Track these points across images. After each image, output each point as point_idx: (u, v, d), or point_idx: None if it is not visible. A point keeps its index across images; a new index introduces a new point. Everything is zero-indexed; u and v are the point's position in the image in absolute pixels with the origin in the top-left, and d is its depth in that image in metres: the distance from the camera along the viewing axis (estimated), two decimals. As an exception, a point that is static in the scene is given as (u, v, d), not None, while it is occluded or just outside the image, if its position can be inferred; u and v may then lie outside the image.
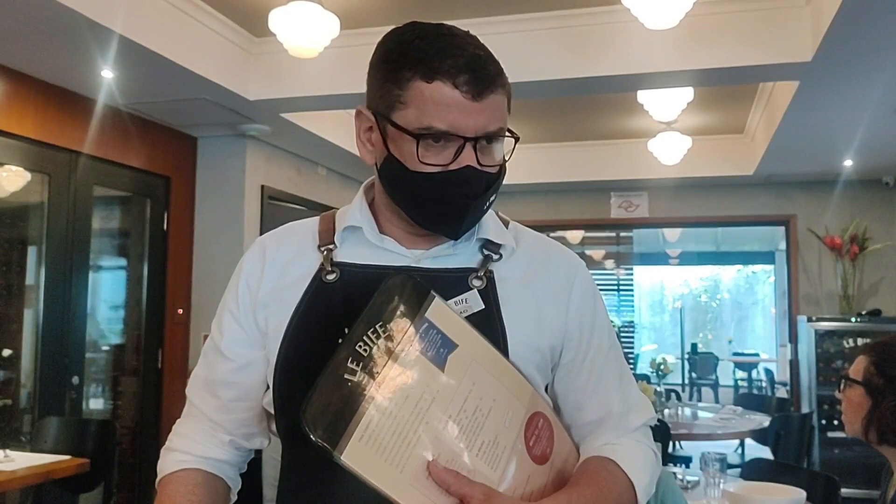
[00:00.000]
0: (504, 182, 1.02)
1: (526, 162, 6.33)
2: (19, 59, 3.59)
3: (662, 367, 5.47)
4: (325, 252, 1.04)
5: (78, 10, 2.96)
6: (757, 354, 12.34)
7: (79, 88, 3.99)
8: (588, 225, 7.61)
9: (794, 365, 6.50)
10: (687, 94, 4.43)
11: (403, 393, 0.85)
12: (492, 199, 1.01)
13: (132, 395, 4.66)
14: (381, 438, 0.82)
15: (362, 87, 1.03)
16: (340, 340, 0.87)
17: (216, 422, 1.07)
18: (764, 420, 4.65)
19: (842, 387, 1.94)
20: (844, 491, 2.73)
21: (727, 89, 4.85)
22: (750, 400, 5.95)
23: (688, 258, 12.69)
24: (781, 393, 8.15)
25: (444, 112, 0.92)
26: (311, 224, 1.11)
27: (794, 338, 6.53)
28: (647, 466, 1.05)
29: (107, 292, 4.66)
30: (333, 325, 0.95)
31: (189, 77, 3.74)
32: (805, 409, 5.92)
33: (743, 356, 12.22)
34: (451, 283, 1.00)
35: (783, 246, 7.09)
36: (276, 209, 5.24)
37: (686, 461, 4.91)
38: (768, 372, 10.56)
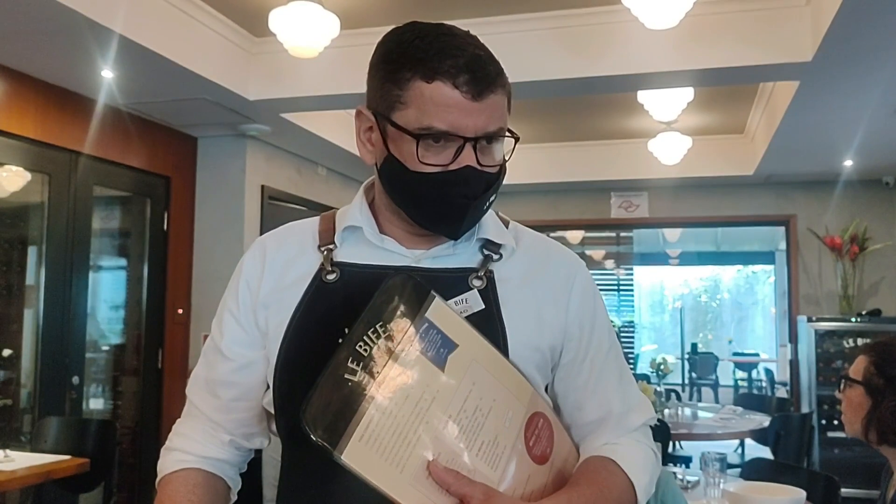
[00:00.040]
0: (504, 182, 1.02)
1: (526, 162, 6.33)
2: (19, 58, 3.59)
3: (662, 367, 5.47)
4: (326, 252, 1.04)
5: (78, 10, 2.96)
6: (757, 354, 12.34)
7: (79, 88, 3.99)
8: (588, 225, 7.61)
9: (794, 365, 6.50)
10: (687, 94, 4.43)
11: (404, 393, 0.85)
12: (492, 199, 1.01)
13: (132, 395, 4.66)
14: (381, 438, 0.82)
15: (362, 87, 1.03)
16: (341, 340, 0.87)
17: (216, 422, 1.08)
18: (764, 420, 4.65)
19: (842, 387, 1.95)
20: (844, 491, 2.73)
21: (727, 89, 4.85)
22: (750, 400, 5.95)
23: (688, 258, 12.69)
24: (781, 393, 8.15)
25: (444, 112, 0.92)
26: (311, 224, 1.11)
27: (794, 338, 6.53)
28: (646, 466, 1.05)
29: (107, 292, 4.66)
30: (334, 325, 0.95)
31: (189, 77, 3.74)
32: (805, 409, 5.93)
33: (743, 356, 12.22)
34: (451, 283, 1.00)
35: (783, 246, 7.09)
36: (277, 209, 5.25)
37: (686, 461, 4.92)
38: (768, 372, 10.56)
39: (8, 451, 3.11)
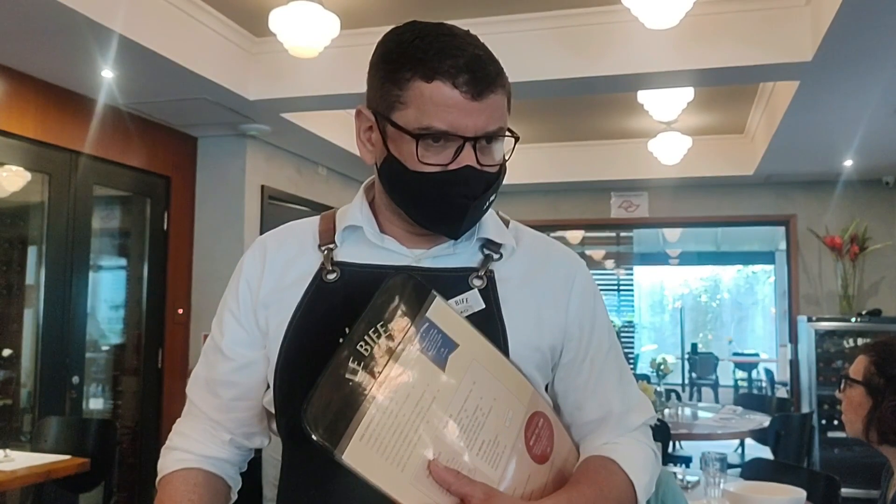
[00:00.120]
0: (504, 182, 1.02)
1: (526, 162, 6.33)
2: (19, 58, 3.59)
3: (662, 367, 5.47)
4: (326, 252, 1.04)
5: (78, 10, 2.96)
6: (757, 354, 12.34)
7: (79, 88, 3.99)
8: (588, 225, 7.61)
9: (794, 365, 6.50)
10: (687, 94, 4.43)
11: (404, 392, 0.85)
12: (492, 199, 1.01)
13: (132, 395, 4.66)
14: (381, 438, 0.82)
15: (362, 87, 1.03)
16: (341, 340, 0.87)
17: (216, 421, 1.08)
18: (764, 420, 4.65)
19: (842, 386, 1.94)
20: (844, 491, 2.73)
21: (727, 89, 4.85)
22: (750, 400, 5.95)
23: (688, 258, 12.69)
24: (781, 393, 8.15)
25: (444, 112, 0.92)
26: (312, 224, 1.11)
27: (794, 338, 6.53)
28: (646, 466, 1.05)
29: (107, 292, 4.66)
30: (334, 325, 0.95)
31: (189, 77, 3.74)
32: (805, 409, 5.93)
33: (743, 356, 12.22)
34: (451, 282, 1.00)
35: (783, 246, 7.09)
36: (277, 209, 5.25)
37: (686, 461, 4.91)
38: (768, 372, 10.56)
39: (8, 451, 3.11)
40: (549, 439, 0.97)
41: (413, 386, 0.85)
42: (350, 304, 0.95)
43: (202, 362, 1.11)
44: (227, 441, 1.08)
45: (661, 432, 3.81)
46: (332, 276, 1.02)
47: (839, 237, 6.28)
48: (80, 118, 4.10)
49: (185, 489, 1.02)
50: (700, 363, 11.88)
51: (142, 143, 4.55)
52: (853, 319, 5.94)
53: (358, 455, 0.81)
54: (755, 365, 11.66)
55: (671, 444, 4.95)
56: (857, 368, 1.91)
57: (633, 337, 9.37)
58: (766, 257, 11.76)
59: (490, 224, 1.06)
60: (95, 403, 4.49)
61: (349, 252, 1.04)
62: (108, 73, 3.74)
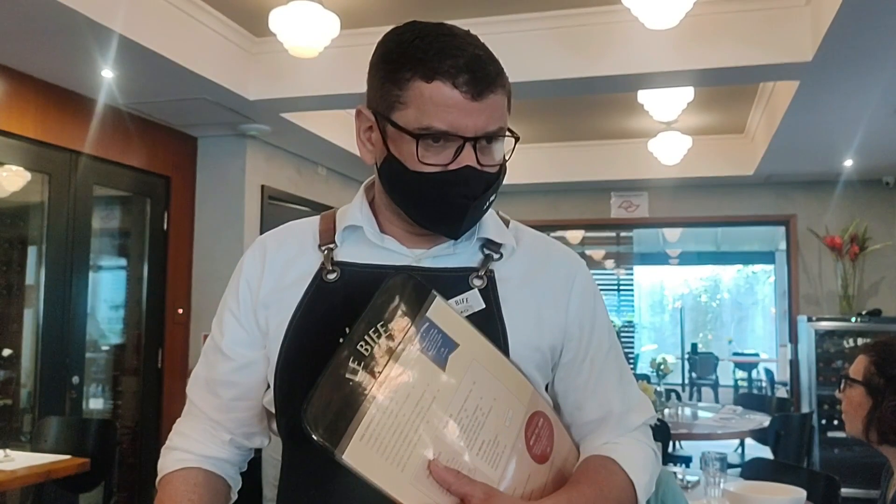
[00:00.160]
0: (504, 182, 1.02)
1: (526, 162, 6.33)
2: (19, 58, 3.59)
3: (662, 367, 5.47)
4: (326, 251, 1.04)
5: (78, 10, 2.96)
6: (757, 354, 12.34)
7: (79, 88, 3.99)
8: (588, 225, 7.61)
9: (794, 365, 6.50)
10: (687, 94, 4.43)
11: (404, 392, 0.85)
12: (492, 199, 1.01)
13: (132, 395, 4.66)
14: (382, 438, 0.82)
15: (362, 87, 1.03)
16: (341, 340, 0.87)
17: (217, 421, 1.08)
18: (764, 420, 4.65)
19: (842, 386, 1.94)
20: (844, 491, 2.73)
21: (727, 89, 4.85)
22: (750, 400, 5.95)
23: (688, 258, 12.69)
24: (781, 393, 8.15)
25: (444, 112, 0.92)
26: (312, 223, 1.11)
27: (794, 338, 6.53)
28: (646, 465, 1.05)
29: (107, 292, 4.66)
30: (334, 325, 0.95)
31: (189, 77, 3.74)
32: (805, 409, 5.93)
33: (743, 356, 12.22)
34: (451, 282, 1.00)
35: (783, 246, 7.09)
36: (277, 209, 5.25)
37: (686, 461, 4.91)
38: (768, 372, 10.56)
39: (8, 451, 3.11)
40: (549, 439, 0.97)
41: (413, 386, 0.86)
42: (350, 303, 0.95)
43: (202, 362, 1.11)
44: (227, 441, 1.08)
45: (661, 432, 3.81)
46: (332, 276, 1.02)
47: (839, 237, 6.28)
48: (80, 118, 4.10)
49: (185, 489, 1.02)
50: (700, 363, 11.88)
51: (142, 143, 4.55)
52: (853, 319, 5.94)
53: (358, 455, 0.81)
54: (755, 365, 11.67)
55: (671, 443, 4.96)
56: (857, 368, 1.91)
57: (633, 337, 9.37)
58: (766, 257, 11.76)
59: (490, 224, 1.06)
60: (95, 403, 4.49)
61: (349, 252, 1.04)
62: (108, 73, 3.74)
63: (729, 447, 5.90)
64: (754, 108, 5.43)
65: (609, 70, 3.78)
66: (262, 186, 5.14)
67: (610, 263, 8.53)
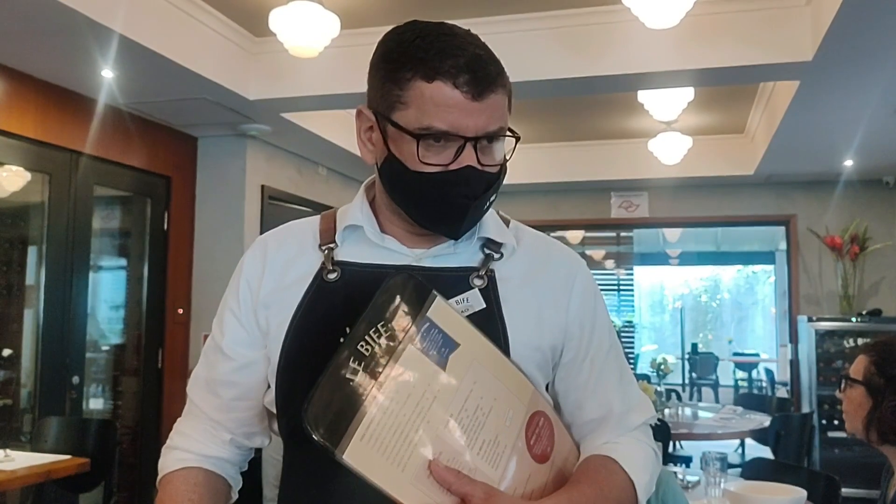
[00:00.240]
0: (504, 182, 1.02)
1: (526, 162, 6.33)
2: (20, 58, 3.59)
3: (663, 366, 5.47)
4: (326, 251, 1.04)
5: (78, 10, 2.96)
6: (757, 354, 12.34)
7: (79, 88, 3.99)
8: (588, 225, 7.61)
9: (794, 365, 6.50)
10: (687, 93, 4.43)
11: (405, 392, 0.85)
12: (492, 199, 1.01)
13: (132, 395, 4.66)
14: (382, 438, 0.82)
15: (362, 87, 1.03)
16: (342, 340, 0.87)
17: (217, 421, 1.08)
18: (764, 420, 4.65)
19: (842, 386, 1.94)
20: (844, 491, 2.73)
21: (727, 89, 4.85)
22: (750, 400, 5.95)
23: (688, 258, 12.68)
24: (781, 393, 8.15)
25: (445, 112, 0.92)
26: (312, 223, 1.11)
27: (794, 338, 6.53)
28: (647, 465, 1.05)
29: (107, 292, 4.66)
30: (335, 325, 0.95)
31: (189, 77, 3.74)
32: (805, 409, 5.93)
33: (743, 356, 12.22)
34: (452, 282, 1.00)
35: (783, 246, 7.09)
36: (277, 209, 5.25)
37: (686, 461, 4.91)
38: (768, 372, 10.56)
39: (8, 451, 3.12)
40: (550, 439, 0.97)
41: (414, 386, 0.85)
42: (351, 303, 0.95)
43: (202, 362, 1.11)
44: (227, 441, 1.08)
45: (662, 432, 3.81)
46: (332, 276, 1.02)
47: (839, 237, 6.28)
48: (81, 118, 4.10)
49: (186, 489, 1.02)
50: (700, 363, 11.88)
51: (142, 142, 4.55)
52: (853, 319, 5.94)
53: (358, 455, 0.81)
54: (755, 365, 11.67)
55: (671, 443, 4.96)
56: (858, 368, 1.91)
57: (633, 337, 9.37)
58: (766, 257, 11.75)
59: (491, 223, 1.06)
60: (95, 403, 4.49)
61: (350, 251, 1.04)
62: (108, 73, 3.74)
63: (729, 447, 5.90)
64: (754, 108, 5.42)
65: (609, 70, 3.78)
66: (263, 186, 5.14)
67: (610, 263, 8.53)
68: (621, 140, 6.36)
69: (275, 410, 1.02)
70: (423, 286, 0.91)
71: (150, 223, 4.75)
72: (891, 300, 6.28)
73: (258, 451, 1.14)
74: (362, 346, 0.85)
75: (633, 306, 9.28)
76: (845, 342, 5.89)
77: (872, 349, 1.92)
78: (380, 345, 0.86)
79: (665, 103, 4.43)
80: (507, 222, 1.11)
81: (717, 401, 10.72)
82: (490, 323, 0.98)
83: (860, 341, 5.75)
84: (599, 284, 1.13)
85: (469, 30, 0.98)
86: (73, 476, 3.17)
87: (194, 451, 1.06)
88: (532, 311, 1.03)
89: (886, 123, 4.63)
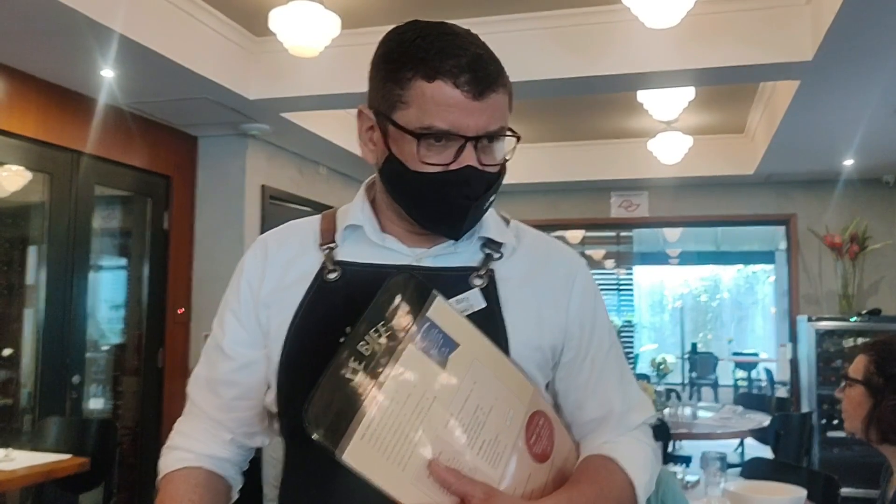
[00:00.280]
0: (504, 181, 1.02)
1: (526, 161, 6.33)
2: (20, 58, 3.59)
3: (662, 366, 5.47)
4: (327, 251, 1.04)
5: (78, 10, 2.96)
6: (757, 354, 12.33)
7: (80, 88, 3.99)
8: (588, 224, 7.61)
9: (794, 364, 6.50)
10: (688, 93, 4.43)
11: (405, 392, 0.85)
12: (492, 199, 1.02)
13: (133, 395, 4.66)
14: (382, 437, 0.82)
15: (363, 87, 1.03)
16: (342, 340, 0.87)
17: (217, 420, 1.08)
18: (764, 419, 4.65)
19: (842, 386, 1.95)
20: (844, 490, 2.73)
21: (727, 89, 4.85)
22: (750, 399, 5.95)
23: (688, 258, 12.68)
24: (781, 392, 8.15)
25: (445, 112, 0.92)
26: (313, 223, 1.11)
27: (794, 337, 6.53)
28: (646, 465, 1.05)
29: (107, 292, 4.67)
30: (335, 325, 0.95)
31: (190, 76, 3.74)
32: (805, 409, 5.93)
33: (743, 356, 12.21)
34: (452, 281, 1.00)
35: (783, 245, 7.09)
36: (277, 209, 5.25)
37: (686, 460, 4.91)
38: (768, 372, 10.56)
39: (8, 451, 3.12)
40: (550, 438, 0.97)
41: (414, 385, 0.86)
42: (351, 303, 0.95)
43: (203, 361, 1.11)
44: (228, 440, 1.08)
45: (661, 432, 3.81)
46: (333, 276, 1.02)
47: (839, 236, 6.28)
48: (81, 118, 4.10)
49: (186, 488, 1.02)
50: (700, 363, 11.88)
51: (143, 142, 4.56)
52: (853, 319, 5.93)
53: (359, 455, 0.81)
54: (755, 364, 11.66)
55: (671, 443, 4.95)
56: (857, 367, 1.91)
57: (633, 337, 9.37)
58: (766, 257, 11.74)
59: (491, 223, 1.06)
60: (96, 403, 4.49)
61: (350, 251, 1.04)
62: (108, 73, 3.74)
63: (729, 447, 5.89)
64: (754, 107, 5.43)
65: (609, 70, 3.78)
66: (263, 186, 5.14)
67: (610, 263, 8.53)
68: (621, 140, 6.36)
69: (275, 410, 1.02)
70: (423, 286, 0.91)
71: (151, 223, 4.75)
72: (890, 300, 6.28)
73: (258, 450, 1.14)
74: (363, 345, 0.85)
75: (632, 306, 9.28)
76: (845, 342, 5.88)
77: (872, 348, 1.92)
78: (380, 344, 0.86)
79: (665, 103, 4.43)
80: (507, 222, 1.11)
81: (716, 400, 10.72)
82: (490, 323, 0.98)
83: (860, 341, 5.74)
84: (599, 284, 1.13)
85: (469, 30, 0.98)
86: (73, 476, 3.17)
87: (195, 450, 1.06)
88: (532, 311, 1.03)
89: (886, 123, 4.63)
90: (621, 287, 8.76)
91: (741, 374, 11.73)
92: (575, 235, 7.99)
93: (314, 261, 1.04)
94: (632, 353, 9.67)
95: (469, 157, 0.94)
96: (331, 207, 1.15)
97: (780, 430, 4.47)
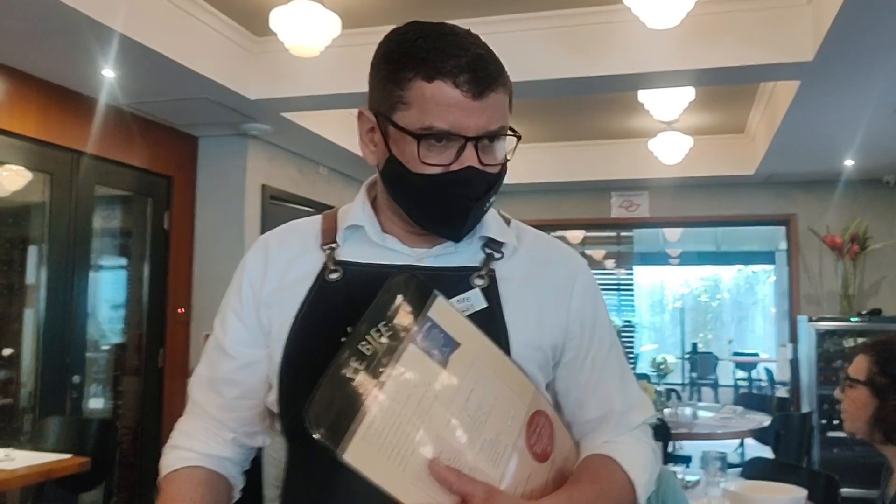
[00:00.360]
0: (505, 181, 1.02)
1: (527, 161, 6.33)
2: (21, 58, 3.59)
3: (663, 366, 5.47)
4: (328, 251, 1.04)
5: (79, 9, 2.96)
6: (757, 354, 12.33)
7: (80, 88, 3.99)
8: (588, 225, 7.61)
9: (794, 364, 6.50)
10: (688, 93, 4.43)
11: (406, 392, 0.85)
12: (492, 199, 1.02)
13: (133, 395, 4.66)
14: (383, 437, 0.82)
15: (363, 87, 1.03)
16: (343, 339, 0.87)
17: (219, 419, 1.08)
18: (764, 419, 4.65)
19: (843, 387, 1.94)
20: (844, 490, 2.73)
21: (728, 89, 4.85)
22: (750, 399, 5.95)
23: (688, 258, 12.68)
24: (781, 393, 8.15)
25: (446, 112, 0.92)
26: (314, 223, 1.11)
27: (794, 337, 6.53)
28: (647, 465, 1.05)
29: (108, 292, 4.67)
30: (336, 324, 0.95)
31: (190, 76, 3.75)
32: (805, 409, 5.92)
33: (743, 356, 12.22)
34: (453, 281, 1.00)
35: (783, 246, 7.09)
36: (278, 209, 5.25)
37: (686, 460, 4.91)
38: (768, 372, 10.56)
39: (9, 451, 3.12)
40: (550, 438, 0.97)
41: (415, 385, 0.86)
42: (352, 303, 0.95)
43: (204, 361, 1.11)
44: (229, 440, 1.08)
45: (661, 432, 3.81)
46: (334, 276, 1.02)
47: (840, 237, 6.28)
48: (82, 118, 4.11)
49: (188, 487, 1.02)
50: (700, 363, 11.88)
51: (143, 142, 4.56)
52: (853, 319, 5.93)
53: (360, 454, 0.81)
54: (755, 365, 11.66)
55: (671, 443, 4.95)
56: (859, 368, 1.91)
57: (633, 337, 9.37)
58: (767, 257, 11.74)
59: (492, 223, 1.06)
60: (96, 403, 4.49)
61: (351, 251, 1.04)
62: (109, 73, 3.74)
63: (729, 447, 5.89)
64: (755, 107, 5.43)
65: (609, 70, 3.78)
66: (264, 186, 5.14)
67: (610, 263, 8.53)
68: (622, 140, 6.37)
69: (276, 410, 1.02)
70: (424, 286, 0.91)
71: (151, 223, 4.75)
72: (891, 300, 6.28)
73: (259, 450, 1.14)
74: (364, 345, 0.86)
75: (633, 306, 9.28)
76: (845, 342, 5.88)
77: (871, 349, 1.91)
78: (381, 344, 0.86)
79: (665, 103, 4.43)
80: (507, 221, 1.11)
81: (716, 400, 10.72)
82: (491, 322, 0.98)
83: (860, 341, 5.74)
84: (599, 284, 1.13)
85: (469, 30, 0.98)
86: (73, 476, 3.16)
87: (196, 450, 1.06)
88: (533, 311, 1.03)
89: (886, 123, 4.63)
90: (621, 287, 8.76)
91: (741, 374, 11.73)
92: (575, 235, 7.99)
93: (315, 261, 1.04)
94: (632, 353, 9.67)
95: (470, 158, 0.94)
96: (331, 207, 1.16)
97: (780, 430, 4.47)
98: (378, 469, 0.81)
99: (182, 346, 4.88)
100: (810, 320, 6.00)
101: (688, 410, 5.01)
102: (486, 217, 1.05)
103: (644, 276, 13.91)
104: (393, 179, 1.00)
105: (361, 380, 0.84)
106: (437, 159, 0.95)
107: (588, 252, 8.39)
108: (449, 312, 0.92)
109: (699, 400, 10.88)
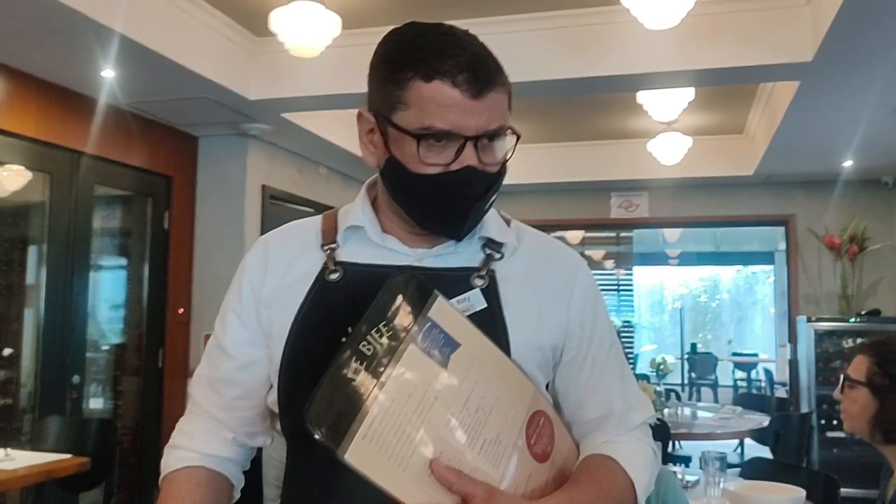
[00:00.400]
0: (504, 181, 1.02)
1: (526, 162, 6.33)
2: (21, 58, 3.59)
3: (662, 366, 5.47)
4: (328, 251, 1.04)
5: (78, 10, 2.96)
6: (756, 354, 12.34)
7: (80, 87, 3.99)
8: (588, 225, 7.61)
9: (793, 365, 6.51)
10: (687, 94, 4.43)
11: (406, 392, 0.85)
12: (493, 199, 1.02)
13: (133, 395, 4.66)
14: (384, 437, 0.82)
15: (363, 87, 1.03)
16: (344, 339, 0.87)
17: (219, 419, 1.08)
18: (763, 420, 4.65)
19: (843, 387, 1.94)
20: (843, 490, 2.73)
21: (727, 89, 4.85)
22: (749, 400, 5.95)
23: (687, 258, 12.69)
24: (781, 393, 8.15)
25: (445, 112, 0.93)
26: (314, 223, 1.11)
27: (793, 338, 6.53)
28: (646, 465, 1.05)
29: (108, 292, 4.67)
30: (337, 325, 0.95)
31: (190, 76, 3.75)
32: (804, 409, 5.93)
33: (742, 356, 12.22)
34: (453, 281, 1.00)
35: (783, 246, 7.10)
36: (278, 209, 5.25)
37: (686, 461, 4.92)
38: (767, 372, 10.56)
39: (9, 451, 3.12)
40: (550, 438, 0.98)
41: (415, 385, 0.86)
42: (352, 303, 0.95)
43: (205, 361, 1.11)
44: (230, 440, 1.08)
45: (661, 432, 3.81)
46: (334, 276, 1.02)
47: (838, 237, 6.28)
48: (82, 117, 4.11)
49: (188, 487, 1.02)
50: (699, 363, 11.88)
51: (143, 142, 4.56)
52: (852, 319, 5.94)
53: (360, 454, 0.81)
54: (754, 365, 11.67)
55: (671, 443, 4.96)
56: (858, 369, 1.90)
57: (632, 337, 9.37)
58: (766, 257, 11.76)
59: (492, 223, 1.07)
60: (96, 403, 4.49)
61: (351, 252, 1.05)
62: (108, 73, 3.74)
63: (728, 447, 5.90)
64: (754, 108, 5.43)
65: (609, 70, 3.79)
66: (263, 186, 5.14)
67: (610, 263, 8.53)
68: (621, 140, 6.37)
69: (277, 410, 1.03)
70: (425, 286, 0.92)
71: (151, 223, 4.75)
72: (889, 300, 6.29)
73: (259, 450, 1.15)
74: (364, 345, 0.86)
75: (632, 306, 9.28)
76: (844, 342, 5.89)
77: (870, 349, 1.91)
78: (381, 344, 0.86)
79: (665, 104, 4.43)
80: (507, 222, 1.11)
81: (716, 401, 10.72)
82: (491, 323, 0.98)
83: (859, 341, 5.75)
84: (599, 284, 1.13)
85: (468, 30, 0.98)
86: (73, 476, 3.16)
87: (197, 449, 1.06)
88: (533, 311, 1.03)
89: (886, 123, 4.63)
90: (621, 287, 8.76)
91: (741, 374, 11.74)
92: (575, 236, 7.99)
93: (315, 261, 1.04)
94: (632, 353, 9.67)
95: (469, 157, 0.94)
96: (331, 207, 1.16)
97: (779, 430, 4.47)
98: (378, 469, 0.82)
99: (182, 346, 4.88)
100: (809, 321, 6.01)
101: (687, 410, 5.01)
102: (486, 217, 1.05)
103: (643, 277, 13.92)
104: (393, 180, 1.00)
105: (362, 380, 0.84)
106: (436, 159, 0.95)
107: (588, 252, 8.38)
108: (449, 313, 0.92)
109: (698, 400, 10.89)
